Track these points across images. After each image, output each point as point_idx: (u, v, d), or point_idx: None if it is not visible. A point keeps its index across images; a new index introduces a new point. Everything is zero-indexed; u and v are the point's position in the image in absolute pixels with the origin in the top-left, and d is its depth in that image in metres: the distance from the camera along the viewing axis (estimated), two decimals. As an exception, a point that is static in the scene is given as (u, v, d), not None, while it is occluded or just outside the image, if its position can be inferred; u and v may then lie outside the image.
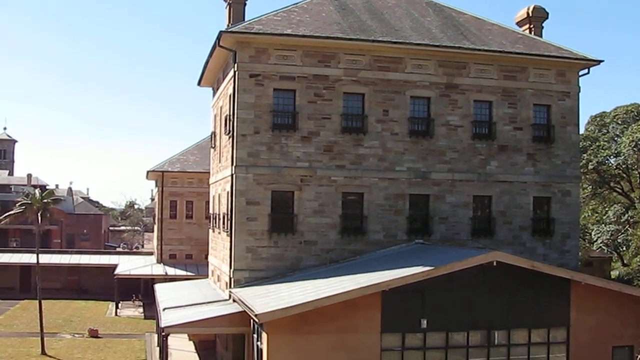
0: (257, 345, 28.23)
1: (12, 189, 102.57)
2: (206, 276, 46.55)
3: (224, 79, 37.76)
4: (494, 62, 36.14)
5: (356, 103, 34.55)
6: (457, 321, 28.05)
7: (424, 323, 27.53)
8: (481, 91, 36.05)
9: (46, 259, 64.00)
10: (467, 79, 35.79)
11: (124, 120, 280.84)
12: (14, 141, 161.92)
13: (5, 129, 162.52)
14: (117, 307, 59.54)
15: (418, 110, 35.43)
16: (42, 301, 43.80)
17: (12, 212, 45.84)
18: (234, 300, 31.75)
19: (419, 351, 27.74)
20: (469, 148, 35.85)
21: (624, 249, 66.66)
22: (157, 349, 41.69)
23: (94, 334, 47.84)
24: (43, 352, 41.55)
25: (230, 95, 34.83)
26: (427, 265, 27.22)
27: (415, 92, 35.19)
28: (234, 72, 33.42)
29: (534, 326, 29.00)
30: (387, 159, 34.70)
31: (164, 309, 35.54)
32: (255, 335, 28.94)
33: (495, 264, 27.58)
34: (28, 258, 67.08)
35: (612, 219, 63.15)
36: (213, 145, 42.47)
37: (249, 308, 27.27)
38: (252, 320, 28.43)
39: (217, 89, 40.81)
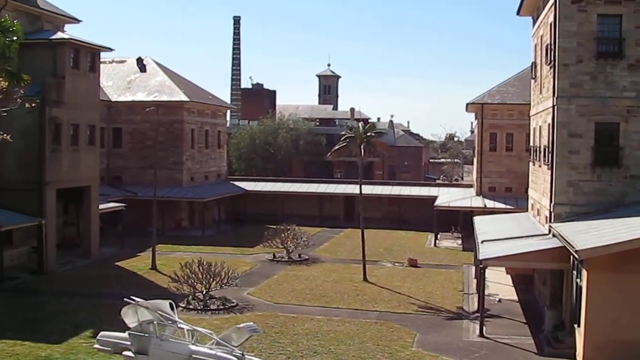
0: (577, 282, 27.50)
1: (337, 123, 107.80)
2: (525, 210, 45.86)
3: (544, 7, 36.38)
4: None
5: (692, 26, 31.64)
6: None
7: None
8: None
9: (368, 189, 66.44)
10: None
11: (444, 54, 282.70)
12: (337, 77, 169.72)
13: (329, 65, 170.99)
14: (436, 238, 60.47)
15: None
16: (364, 230, 45.69)
17: (337, 146, 47.98)
18: (554, 235, 31.05)
19: None
20: None
21: None
22: (475, 280, 41.95)
23: (413, 264, 49.02)
24: (365, 279, 43.30)
25: (550, 24, 33.51)
26: None
27: None
28: (555, -2, 32.06)
29: None
30: None
31: (482, 242, 35.65)
32: (574, 272, 28.17)
33: None
34: (351, 189, 69.97)
35: None
36: (533, 76, 41.34)
37: (569, 243, 26.54)
38: (571, 257, 27.67)
39: (537, 17, 39.45)
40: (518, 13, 42.47)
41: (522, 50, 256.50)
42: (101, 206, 51.58)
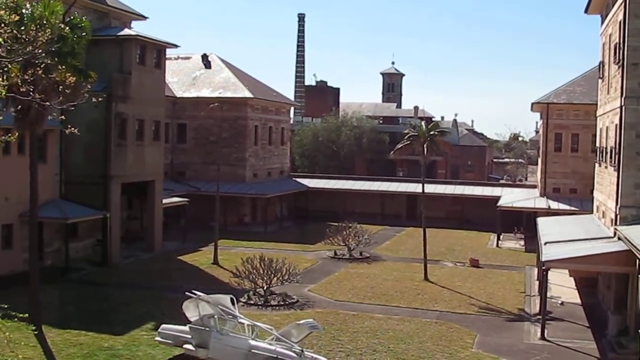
0: (642, 287, 26.91)
1: (400, 121, 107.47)
2: (590, 211, 45.04)
3: (613, 5, 35.65)
4: None
5: None
6: None
7: None
8: None
9: (431, 188, 65.92)
10: None
11: (509, 53, 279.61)
12: (401, 75, 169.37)
13: (393, 63, 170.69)
14: (498, 239, 59.77)
15: None
16: (426, 229, 45.44)
17: (400, 145, 47.81)
18: (619, 238, 30.42)
19: None
20: None
21: None
22: (537, 282, 41.37)
23: (474, 264, 48.59)
24: (425, 278, 43.04)
25: (620, 22, 32.81)
26: None
27: None
28: (625, -4, 31.38)
29: None
30: None
31: (545, 243, 35.17)
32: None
33: None
34: (414, 187, 69.85)
35: None
36: (601, 76, 40.56)
37: (634, 247, 25.97)
38: (637, 260, 27.08)
39: (606, 15, 38.68)
40: (586, 11, 41.70)
41: (590, 49, 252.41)
42: (165, 201, 52.29)
